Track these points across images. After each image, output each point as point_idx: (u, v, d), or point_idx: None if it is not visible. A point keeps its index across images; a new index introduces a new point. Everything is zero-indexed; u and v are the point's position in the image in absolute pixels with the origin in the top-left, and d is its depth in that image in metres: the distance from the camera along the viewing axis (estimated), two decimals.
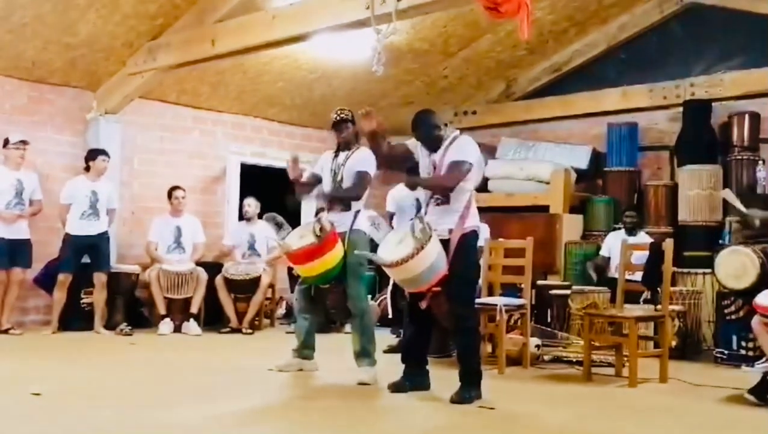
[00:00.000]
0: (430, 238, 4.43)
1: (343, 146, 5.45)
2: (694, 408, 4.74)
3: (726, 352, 6.43)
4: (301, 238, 5.16)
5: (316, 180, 5.49)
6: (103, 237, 7.45)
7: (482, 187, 8.73)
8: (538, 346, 6.16)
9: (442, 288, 4.61)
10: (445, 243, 4.58)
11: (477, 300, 5.93)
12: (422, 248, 4.39)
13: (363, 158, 5.34)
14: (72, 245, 7.30)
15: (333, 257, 5.11)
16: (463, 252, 4.62)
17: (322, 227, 5.05)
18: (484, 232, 6.75)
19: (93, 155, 7.45)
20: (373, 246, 5.22)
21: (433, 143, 4.77)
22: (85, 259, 7.44)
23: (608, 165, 8.84)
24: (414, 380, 4.87)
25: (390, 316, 7.33)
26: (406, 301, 5.06)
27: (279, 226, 5.61)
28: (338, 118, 5.43)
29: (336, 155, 5.45)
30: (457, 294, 4.63)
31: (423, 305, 4.73)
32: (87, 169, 7.45)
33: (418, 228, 4.49)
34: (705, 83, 8.25)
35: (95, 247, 7.40)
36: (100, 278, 7.38)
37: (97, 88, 8.03)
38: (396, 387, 4.83)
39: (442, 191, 4.69)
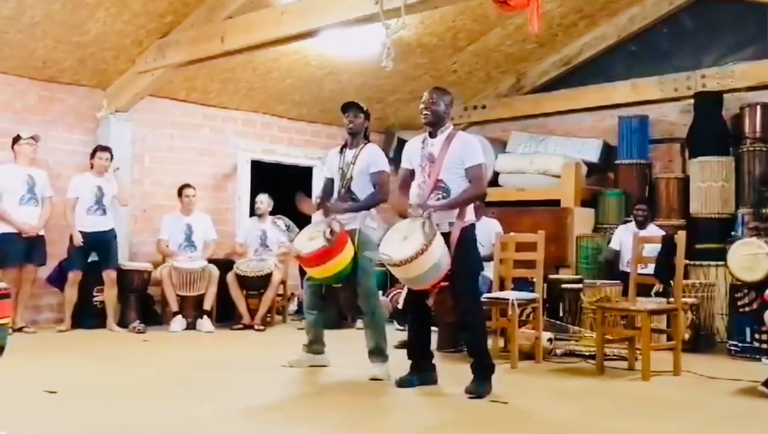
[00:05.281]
0: (435, 235, 4.43)
1: (350, 142, 5.41)
2: (708, 401, 4.72)
3: (739, 344, 6.39)
4: (310, 240, 5.11)
5: (332, 189, 5.45)
6: (111, 234, 7.47)
7: (493, 181, 8.73)
8: (550, 340, 6.14)
9: (447, 284, 4.61)
10: (445, 237, 4.58)
11: (489, 295, 5.95)
12: (429, 246, 4.39)
13: (375, 159, 5.31)
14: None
15: (344, 258, 5.09)
16: (464, 246, 4.62)
17: (332, 230, 5.03)
18: (495, 226, 6.76)
19: (93, 152, 7.53)
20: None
21: (437, 120, 4.76)
22: (95, 257, 7.47)
23: (619, 158, 8.80)
24: (421, 375, 4.88)
25: None
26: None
27: (287, 227, 5.58)
28: (349, 102, 5.41)
29: (342, 152, 5.41)
30: (462, 289, 4.64)
31: (430, 302, 4.74)
32: (92, 166, 7.51)
33: (427, 226, 4.49)
34: (716, 75, 8.21)
35: (103, 244, 7.42)
36: (109, 275, 7.41)
37: (107, 87, 8.05)
38: (402, 383, 4.83)
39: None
